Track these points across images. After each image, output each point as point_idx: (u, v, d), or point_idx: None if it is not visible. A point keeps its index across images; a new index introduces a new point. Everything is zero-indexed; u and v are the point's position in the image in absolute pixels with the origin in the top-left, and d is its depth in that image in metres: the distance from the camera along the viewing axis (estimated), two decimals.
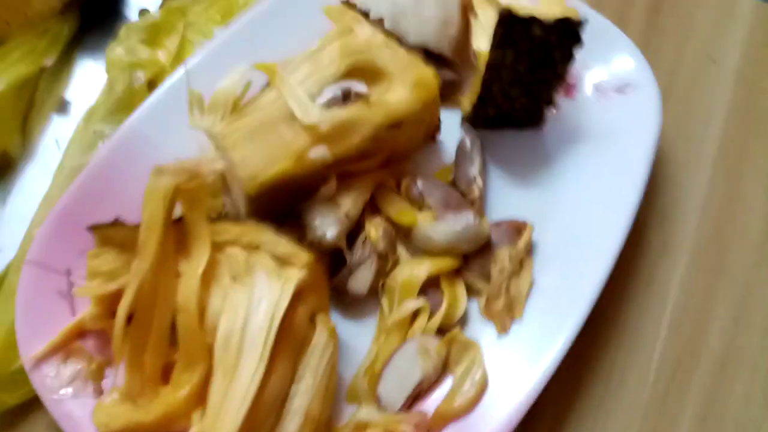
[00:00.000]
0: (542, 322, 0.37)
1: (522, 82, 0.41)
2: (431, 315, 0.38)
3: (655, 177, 0.44)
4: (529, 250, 0.40)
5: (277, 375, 0.32)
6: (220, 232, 0.35)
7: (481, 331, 0.38)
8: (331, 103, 0.38)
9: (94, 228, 0.34)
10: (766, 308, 0.41)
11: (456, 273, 0.39)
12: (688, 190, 0.44)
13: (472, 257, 0.39)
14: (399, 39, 0.41)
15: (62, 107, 0.43)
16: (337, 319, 0.38)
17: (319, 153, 0.36)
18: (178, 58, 0.43)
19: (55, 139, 0.41)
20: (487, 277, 0.39)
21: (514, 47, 0.39)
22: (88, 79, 0.44)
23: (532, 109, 0.44)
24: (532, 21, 0.38)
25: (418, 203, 0.40)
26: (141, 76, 0.41)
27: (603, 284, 0.37)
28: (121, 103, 0.40)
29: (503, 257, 0.38)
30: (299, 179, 0.37)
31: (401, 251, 0.40)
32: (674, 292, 0.41)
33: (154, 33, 0.43)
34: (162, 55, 0.43)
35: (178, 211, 0.34)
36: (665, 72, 0.48)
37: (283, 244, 0.34)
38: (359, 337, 0.38)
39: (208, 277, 0.34)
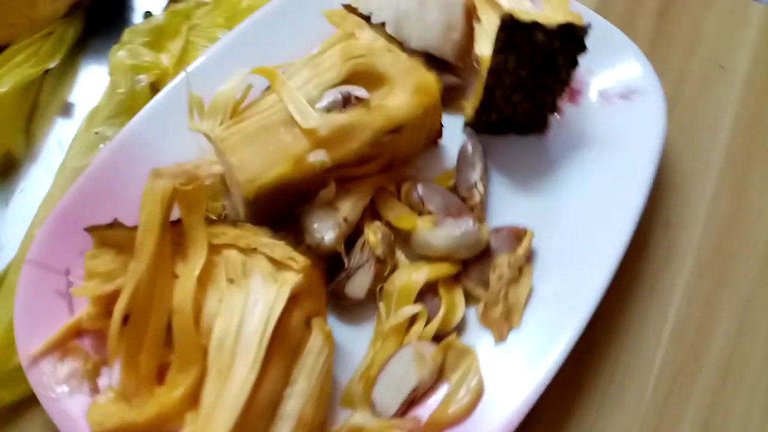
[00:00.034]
0: (540, 330, 0.37)
1: (524, 88, 0.41)
2: (428, 321, 0.38)
3: (660, 184, 0.44)
4: (529, 257, 0.40)
5: (271, 378, 0.33)
6: (218, 235, 0.35)
7: (478, 338, 0.38)
8: (330, 108, 0.38)
9: (92, 229, 0.34)
10: None
11: (454, 279, 0.39)
12: (693, 197, 0.44)
13: (471, 263, 0.40)
14: (401, 43, 0.42)
15: (66, 109, 0.44)
16: (335, 323, 0.39)
17: (318, 157, 0.37)
18: (181, 62, 0.44)
19: (58, 140, 0.42)
20: (485, 284, 0.39)
21: (517, 52, 0.39)
22: (92, 81, 0.45)
23: (535, 115, 0.44)
24: (534, 26, 0.38)
25: (418, 208, 0.41)
26: (143, 79, 0.42)
27: (603, 293, 0.37)
28: (123, 105, 0.41)
29: (502, 264, 0.39)
30: (298, 183, 0.37)
31: (400, 256, 0.40)
32: (677, 300, 0.41)
33: (157, 36, 0.44)
34: (165, 59, 0.44)
35: (176, 213, 0.35)
36: (672, 78, 0.48)
37: (280, 248, 0.35)
38: (356, 341, 0.38)
39: (204, 279, 0.35)
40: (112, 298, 0.34)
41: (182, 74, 0.40)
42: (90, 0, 0.47)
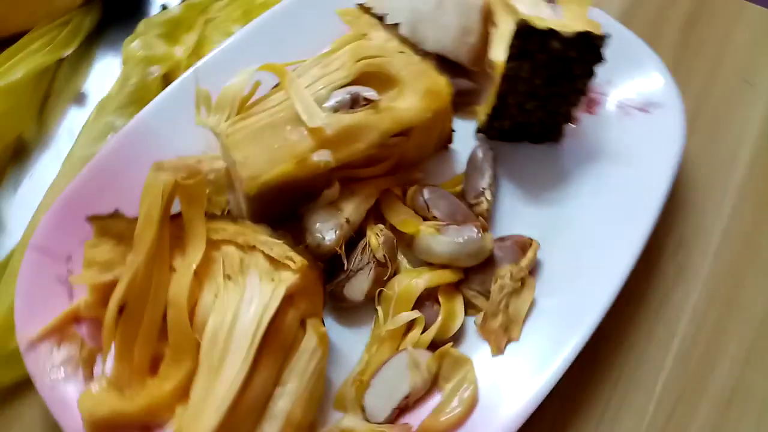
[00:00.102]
0: (540, 345, 0.37)
1: (538, 96, 0.41)
2: (426, 328, 0.38)
3: (675, 201, 0.44)
4: (533, 268, 0.40)
5: (261, 376, 0.33)
6: (217, 230, 0.36)
7: (477, 348, 0.38)
8: (338, 108, 0.39)
9: (93, 218, 0.35)
10: None
11: (455, 287, 0.40)
12: (709, 216, 0.44)
13: (473, 272, 0.40)
14: (415, 45, 0.42)
15: (79, 98, 0.45)
16: (333, 325, 0.39)
17: (323, 157, 0.37)
18: (195, 55, 0.45)
19: (69, 128, 0.44)
20: (486, 294, 0.39)
21: (531, 60, 0.39)
22: (106, 71, 0.46)
23: (549, 124, 0.44)
24: (550, 34, 0.38)
25: (423, 213, 0.41)
26: (155, 71, 0.43)
27: (607, 310, 0.37)
28: (134, 96, 0.42)
29: (504, 274, 0.39)
30: (302, 182, 0.38)
31: (402, 260, 0.41)
32: (685, 322, 0.41)
33: (172, 28, 0.45)
34: (179, 51, 0.45)
35: (177, 206, 0.35)
36: (695, 92, 0.47)
37: (278, 247, 0.35)
38: (353, 343, 0.38)
39: (201, 274, 0.35)
40: (110, 287, 0.35)
41: (193, 68, 0.41)
42: None
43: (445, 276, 0.39)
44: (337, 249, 0.38)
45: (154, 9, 0.49)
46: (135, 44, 0.43)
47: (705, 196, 0.44)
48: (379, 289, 0.39)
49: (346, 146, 0.38)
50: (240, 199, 0.39)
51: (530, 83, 0.40)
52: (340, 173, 0.39)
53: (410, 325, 0.38)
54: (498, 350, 0.37)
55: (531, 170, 0.44)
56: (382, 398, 0.36)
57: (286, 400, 0.34)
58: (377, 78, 0.40)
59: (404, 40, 0.42)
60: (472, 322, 0.39)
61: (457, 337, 0.38)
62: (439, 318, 0.38)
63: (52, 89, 0.44)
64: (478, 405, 0.36)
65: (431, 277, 0.39)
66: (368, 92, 0.39)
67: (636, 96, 0.45)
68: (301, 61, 0.40)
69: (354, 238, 0.40)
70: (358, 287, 0.39)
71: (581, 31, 0.38)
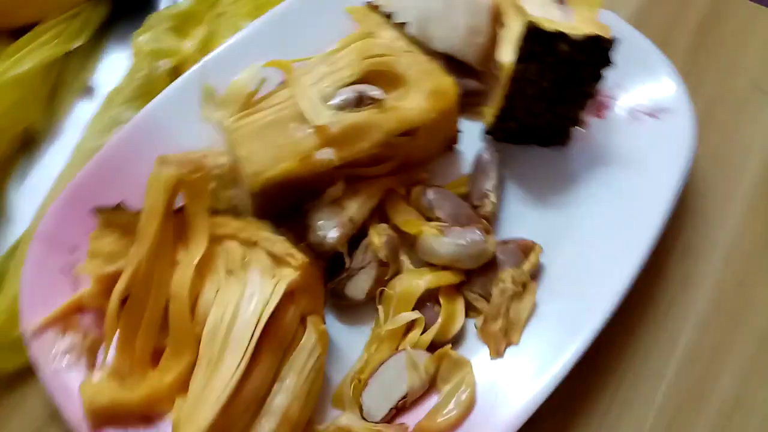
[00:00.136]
0: (540, 349, 0.37)
1: (546, 98, 0.41)
2: (426, 328, 0.38)
3: (683, 209, 0.44)
4: (536, 272, 0.40)
5: (259, 372, 0.34)
6: (220, 225, 0.37)
7: (476, 351, 0.38)
8: (344, 106, 0.39)
9: (98, 210, 0.36)
10: None
11: (457, 289, 0.40)
12: (717, 226, 0.44)
13: (475, 274, 0.40)
14: (422, 45, 0.42)
15: (87, 91, 0.46)
16: (334, 323, 0.40)
17: (326, 155, 0.38)
18: (204, 49, 0.46)
19: (78, 120, 0.44)
20: (488, 297, 0.39)
21: (539, 62, 0.39)
22: (115, 64, 0.47)
23: (557, 127, 0.44)
24: (558, 36, 0.38)
25: (427, 213, 0.41)
26: (164, 64, 0.44)
27: (609, 317, 0.37)
28: (142, 89, 0.43)
29: (506, 278, 0.39)
30: (305, 179, 0.38)
31: (405, 260, 0.41)
32: (688, 331, 0.41)
33: (182, 22, 0.46)
34: (188, 45, 0.45)
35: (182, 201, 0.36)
36: (707, 98, 0.47)
37: (280, 243, 0.36)
38: (354, 342, 0.39)
39: (203, 268, 0.36)
40: (114, 278, 0.36)
41: (200, 62, 0.42)
42: None
43: (447, 277, 0.39)
44: (339, 247, 0.39)
45: (164, 2, 0.49)
46: (144, 37, 0.44)
47: (713, 204, 0.44)
48: (380, 289, 0.39)
49: (350, 145, 0.39)
50: (244, 195, 0.40)
51: (537, 85, 0.40)
52: (345, 172, 0.40)
53: (410, 326, 0.38)
54: (497, 353, 0.38)
55: (537, 173, 0.44)
56: (379, 397, 0.36)
57: (284, 396, 0.34)
58: (384, 77, 0.41)
59: (412, 40, 0.42)
60: (472, 325, 0.39)
61: (457, 339, 0.39)
62: (439, 319, 0.38)
63: (60, 81, 0.45)
64: (476, 408, 0.36)
65: (432, 278, 0.39)
66: (374, 91, 0.40)
67: (646, 101, 0.45)
68: (308, 58, 0.41)
69: (357, 236, 0.40)
70: (359, 286, 0.39)
71: (590, 34, 0.38)
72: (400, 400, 0.36)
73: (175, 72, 0.45)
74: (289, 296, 0.35)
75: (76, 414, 0.34)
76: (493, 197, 0.42)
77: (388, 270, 0.40)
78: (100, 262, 0.36)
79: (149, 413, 0.35)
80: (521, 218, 0.43)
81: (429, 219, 0.41)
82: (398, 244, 0.40)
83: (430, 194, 0.41)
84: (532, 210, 0.43)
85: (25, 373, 0.37)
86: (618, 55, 0.41)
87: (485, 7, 0.43)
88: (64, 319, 0.37)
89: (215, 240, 0.37)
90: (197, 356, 0.35)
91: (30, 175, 0.43)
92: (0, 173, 0.43)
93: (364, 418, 0.36)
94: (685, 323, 0.41)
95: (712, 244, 0.43)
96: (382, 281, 0.39)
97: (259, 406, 0.34)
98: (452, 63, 0.44)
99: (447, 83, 0.41)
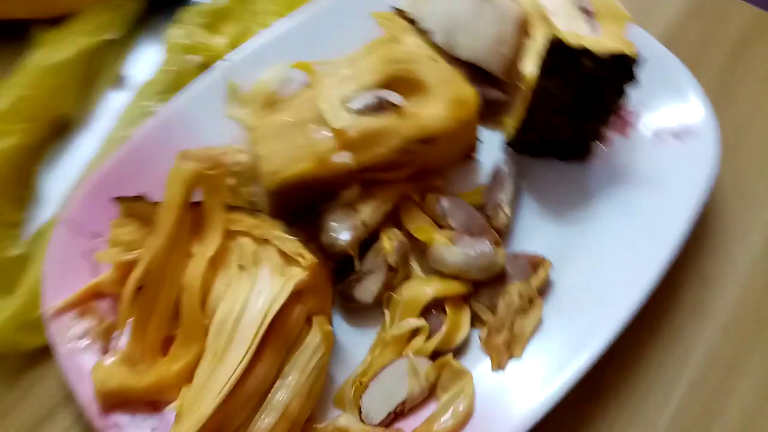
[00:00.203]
0: (542, 365, 0.38)
1: (568, 113, 0.42)
2: (430, 336, 0.39)
3: (701, 234, 0.44)
4: (544, 288, 0.40)
5: (263, 367, 0.35)
6: (235, 221, 0.38)
7: (478, 362, 0.39)
8: (364, 110, 0.40)
9: (120, 199, 0.38)
10: None
11: (464, 299, 0.41)
12: (735, 255, 0.43)
13: (483, 286, 0.41)
14: (446, 53, 0.43)
15: (120, 82, 0.48)
16: (341, 324, 0.41)
17: (343, 158, 0.39)
18: (234, 46, 0.47)
19: (110, 109, 0.46)
20: (494, 309, 0.40)
21: (562, 76, 0.40)
22: (148, 57, 0.49)
23: (578, 142, 0.44)
24: (582, 52, 0.38)
25: (440, 221, 0.42)
26: (195, 60, 0.45)
27: (615, 337, 0.37)
28: (173, 83, 0.45)
29: (513, 291, 0.39)
30: (322, 181, 0.40)
31: (415, 267, 0.42)
32: (697, 359, 0.41)
33: (215, 18, 0.47)
34: (219, 41, 0.47)
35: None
36: (736, 122, 0.47)
37: (291, 243, 0.37)
38: (360, 344, 0.40)
39: (216, 262, 0.37)
40: (131, 266, 0.38)
41: (226, 59, 0.43)
42: None
43: (454, 287, 0.40)
44: (350, 250, 0.40)
45: None
46: (177, 32, 0.46)
47: (734, 232, 0.44)
48: (388, 293, 0.40)
49: (367, 149, 0.40)
50: (261, 192, 0.41)
51: (559, 99, 0.41)
52: (361, 175, 0.40)
53: (415, 332, 0.39)
54: (499, 366, 0.38)
55: (555, 187, 0.44)
56: (379, 401, 0.37)
57: (285, 392, 0.35)
58: (405, 83, 0.41)
59: (436, 47, 0.43)
60: (477, 335, 0.40)
61: (461, 349, 0.40)
62: (444, 328, 0.39)
63: (95, 71, 0.47)
64: (473, 418, 0.37)
65: (440, 287, 0.40)
66: (394, 97, 0.40)
67: (672, 122, 0.44)
68: (332, 61, 0.42)
69: (369, 240, 0.41)
70: (368, 289, 0.40)
71: (614, 51, 0.38)
72: (398, 405, 0.37)
73: (205, 67, 0.46)
74: (296, 295, 0.36)
75: (87, 395, 0.36)
76: (507, 209, 0.42)
77: (397, 275, 0.41)
78: (119, 249, 0.38)
79: (156, 399, 0.36)
80: (535, 232, 0.43)
81: (441, 227, 0.42)
82: (409, 250, 0.41)
83: (444, 202, 0.42)
84: (547, 224, 0.43)
85: (43, 353, 0.39)
86: (645, 73, 0.41)
87: (513, 18, 0.44)
88: (83, 303, 0.38)
89: (230, 235, 0.38)
90: (204, 348, 0.36)
91: (61, 160, 0.46)
92: (32, 157, 0.45)
93: (362, 420, 0.37)
94: (694, 351, 0.41)
95: (730, 270, 0.43)
96: (390, 286, 0.40)
97: (260, 400, 0.35)
98: (476, 72, 0.45)
99: (468, 93, 0.41)
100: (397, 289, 0.40)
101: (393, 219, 0.42)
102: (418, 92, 0.41)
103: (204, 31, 0.47)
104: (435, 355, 0.39)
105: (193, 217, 0.38)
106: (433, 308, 0.40)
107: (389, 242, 0.40)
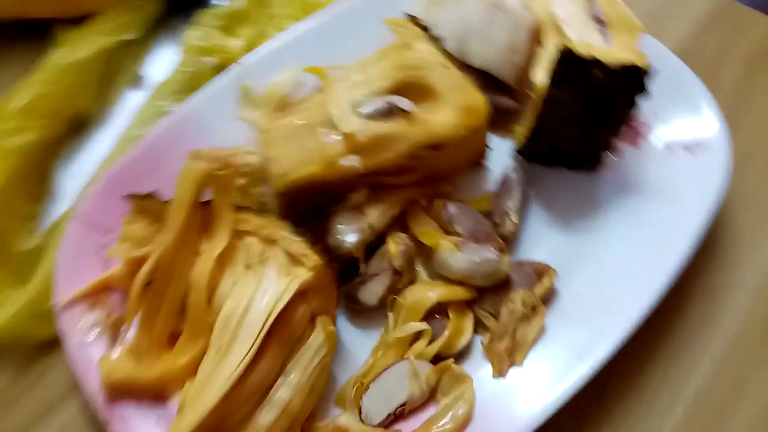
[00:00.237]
0: (544, 373, 0.38)
1: (578, 122, 0.42)
2: (433, 340, 0.40)
3: (710, 247, 0.44)
4: (548, 296, 0.41)
5: (265, 364, 0.36)
6: (244, 221, 0.40)
7: (480, 368, 0.40)
8: (373, 115, 0.41)
9: (132, 196, 0.40)
10: None
11: (468, 305, 0.41)
12: (744, 268, 0.44)
13: (487, 292, 0.41)
14: (458, 60, 0.44)
15: (137, 81, 0.50)
16: (346, 325, 0.42)
17: (351, 162, 0.40)
18: (250, 48, 0.48)
19: (126, 108, 0.48)
20: (498, 315, 0.41)
21: (572, 86, 0.40)
22: (165, 58, 0.51)
23: (588, 151, 0.45)
24: (593, 63, 0.39)
25: (446, 227, 0.43)
26: (210, 61, 0.47)
27: (618, 348, 0.38)
28: (188, 84, 0.46)
29: (516, 299, 0.40)
30: (330, 184, 0.41)
31: (421, 271, 0.43)
32: (703, 372, 0.41)
33: (232, 21, 0.49)
34: (235, 44, 0.48)
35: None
36: (750, 136, 0.47)
37: (297, 244, 0.38)
38: (363, 345, 0.41)
39: (224, 261, 0.39)
40: (141, 262, 0.39)
41: (241, 62, 0.45)
42: None
43: (458, 293, 0.41)
44: (355, 252, 0.41)
45: (216, 1, 0.53)
46: (194, 34, 0.48)
47: (744, 245, 0.44)
48: (392, 296, 0.41)
49: (376, 154, 0.41)
50: (270, 193, 0.43)
51: (569, 109, 0.42)
52: (369, 179, 0.42)
53: (418, 336, 0.40)
54: (499, 372, 0.39)
55: (564, 196, 0.45)
56: (379, 402, 0.38)
57: (287, 390, 0.36)
58: (416, 89, 0.42)
59: (448, 54, 0.44)
60: (480, 341, 0.41)
61: (463, 354, 0.40)
62: (446, 333, 0.40)
63: (113, 70, 0.49)
64: (471, 424, 0.37)
65: (444, 292, 0.41)
66: (404, 103, 0.42)
67: (683, 135, 0.45)
68: (344, 66, 0.43)
69: (376, 243, 0.42)
70: (372, 291, 0.41)
71: (625, 62, 0.39)
72: (398, 407, 0.38)
73: (220, 69, 0.48)
74: (301, 295, 0.38)
75: (93, 386, 0.37)
76: (514, 217, 0.43)
77: (402, 279, 0.42)
78: (130, 245, 0.40)
79: (161, 392, 0.38)
80: (542, 240, 0.44)
81: (448, 233, 0.43)
82: (414, 254, 0.42)
83: (451, 208, 0.43)
84: (554, 233, 0.44)
85: (52, 344, 0.41)
86: (659, 85, 0.41)
87: (526, 26, 0.45)
88: (93, 296, 0.40)
89: (237, 235, 0.39)
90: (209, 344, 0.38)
91: (77, 156, 0.48)
92: (50, 153, 0.47)
93: (362, 420, 0.38)
94: (698, 364, 0.41)
95: (739, 282, 0.43)
96: (395, 289, 0.41)
97: (261, 396, 0.36)
98: (488, 79, 0.46)
99: (478, 100, 0.42)
100: (402, 293, 0.41)
101: (400, 223, 0.43)
102: (429, 99, 0.43)
103: (221, 33, 0.49)
104: (437, 359, 0.40)
105: (203, 215, 0.39)
106: (436, 313, 0.41)
107: (395, 246, 0.41)
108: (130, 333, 0.39)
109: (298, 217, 0.41)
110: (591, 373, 0.37)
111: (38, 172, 0.46)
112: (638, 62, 0.39)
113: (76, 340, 0.39)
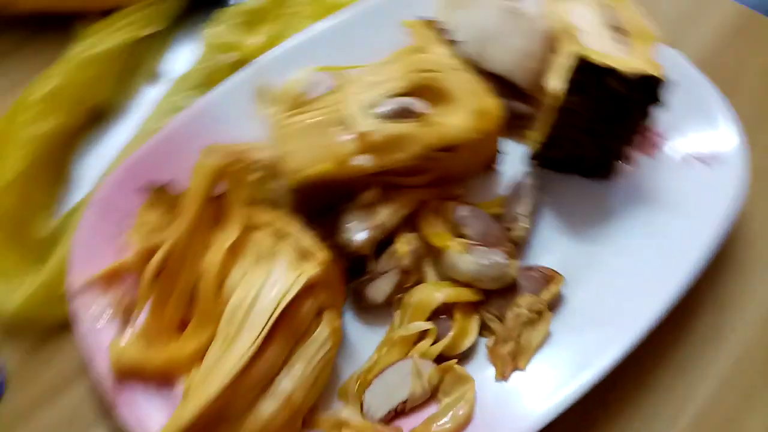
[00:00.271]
0: (547, 378, 0.39)
1: (592, 131, 0.43)
2: (437, 340, 0.41)
3: (722, 262, 0.45)
4: (555, 302, 0.42)
5: (270, 355, 0.38)
6: (256, 215, 0.41)
7: (483, 370, 0.41)
8: (387, 116, 0.43)
9: (148, 187, 0.42)
10: None
11: (474, 307, 0.43)
12: (755, 286, 0.44)
13: (494, 295, 0.43)
14: (474, 63, 0.46)
15: (156, 75, 0.52)
16: (353, 321, 0.43)
17: (362, 161, 0.42)
18: (269, 46, 0.50)
19: (144, 101, 0.50)
20: (503, 319, 0.42)
21: (587, 94, 0.41)
22: (185, 53, 0.53)
23: (601, 160, 0.46)
24: (608, 71, 0.40)
25: (456, 229, 0.44)
26: (230, 57, 0.49)
27: (623, 356, 0.39)
28: (207, 79, 0.48)
29: (522, 303, 0.41)
30: (342, 181, 0.42)
31: (429, 271, 0.44)
32: (709, 385, 0.42)
33: (252, 18, 0.51)
34: (254, 41, 0.50)
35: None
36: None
37: (307, 239, 0.40)
38: (369, 341, 0.42)
39: (235, 252, 0.40)
40: (154, 250, 0.41)
41: (263, 58, 0.47)
42: None
43: (465, 294, 0.42)
44: (364, 250, 0.42)
45: None
46: (214, 30, 0.50)
47: (759, 260, 0.45)
48: (399, 295, 0.43)
49: (389, 154, 0.42)
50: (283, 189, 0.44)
51: (583, 117, 0.43)
52: (382, 179, 0.43)
53: (422, 335, 0.41)
54: (502, 376, 0.40)
55: (576, 203, 0.46)
56: (381, 398, 0.40)
57: (290, 381, 0.38)
58: (430, 92, 0.44)
59: (463, 58, 0.45)
60: (485, 344, 0.42)
61: (467, 356, 0.42)
62: (450, 333, 0.41)
63: (133, 64, 0.51)
64: (472, 425, 0.39)
65: (451, 293, 0.42)
66: (418, 105, 0.43)
67: (701, 147, 0.46)
68: (360, 66, 0.45)
69: (386, 242, 0.43)
70: (379, 290, 0.43)
71: (640, 71, 0.40)
72: (399, 404, 0.39)
73: (239, 65, 0.50)
74: (308, 289, 0.39)
75: (103, 369, 0.39)
76: (525, 222, 0.44)
77: (409, 278, 0.43)
78: (144, 233, 0.42)
79: (168, 377, 0.39)
80: (552, 246, 0.45)
81: (458, 235, 0.44)
82: (423, 254, 0.44)
83: (462, 211, 0.44)
84: (565, 240, 0.45)
85: (63, 327, 0.43)
86: (677, 96, 0.42)
87: (542, 33, 0.46)
88: (106, 281, 0.42)
89: (249, 228, 0.41)
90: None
91: (96, 147, 0.50)
92: (69, 143, 0.49)
93: (363, 415, 0.40)
94: (705, 378, 0.42)
95: (749, 300, 0.44)
96: (401, 288, 0.43)
97: (265, 387, 0.38)
98: (503, 84, 0.47)
99: (492, 104, 0.43)
100: (409, 292, 0.43)
101: (410, 223, 0.44)
102: (443, 101, 0.44)
103: (241, 30, 0.51)
104: (440, 359, 0.41)
105: (216, 208, 0.41)
106: (442, 313, 0.42)
107: (403, 246, 0.43)
108: (141, 318, 0.40)
109: (309, 213, 0.42)
110: (594, 381, 0.38)
111: (57, 160, 0.49)
112: (653, 72, 0.40)
113: (88, 324, 0.41)
